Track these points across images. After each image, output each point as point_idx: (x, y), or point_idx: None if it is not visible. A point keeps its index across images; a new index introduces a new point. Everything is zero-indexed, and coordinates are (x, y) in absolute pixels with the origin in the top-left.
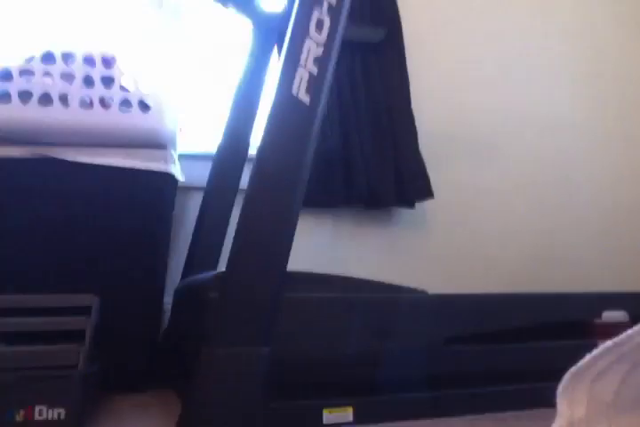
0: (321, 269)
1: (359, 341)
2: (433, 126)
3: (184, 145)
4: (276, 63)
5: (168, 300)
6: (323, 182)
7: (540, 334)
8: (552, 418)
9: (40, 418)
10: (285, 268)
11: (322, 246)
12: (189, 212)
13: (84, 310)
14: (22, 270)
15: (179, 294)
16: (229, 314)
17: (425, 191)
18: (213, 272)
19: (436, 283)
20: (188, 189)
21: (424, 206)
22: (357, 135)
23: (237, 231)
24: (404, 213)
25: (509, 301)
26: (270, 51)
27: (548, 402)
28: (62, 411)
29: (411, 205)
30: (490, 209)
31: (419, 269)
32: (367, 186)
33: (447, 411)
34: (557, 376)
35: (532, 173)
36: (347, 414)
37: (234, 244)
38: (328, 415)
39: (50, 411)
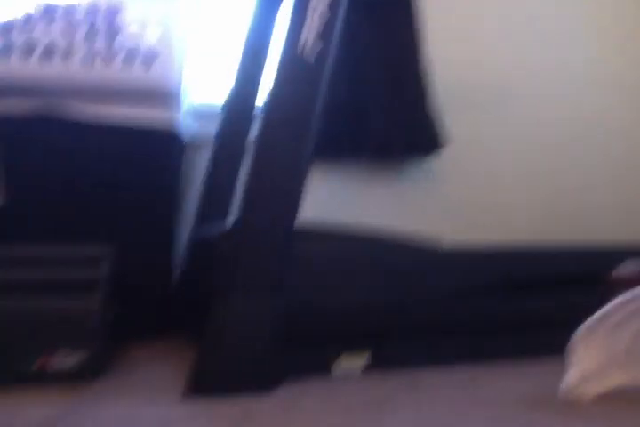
0: (332, 220)
1: (370, 292)
2: (447, 75)
3: (192, 99)
4: (284, 11)
5: (178, 254)
6: (335, 133)
7: (555, 286)
8: (564, 368)
9: (59, 365)
10: (296, 218)
11: (333, 197)
12: (199, 166)
13: (98, 261)
14: (39, 225)
15: (190, 245)
16: (242, 265)
17: (437, 141)
18: (225, 224)
19: (448, 233)
20: (197, 143)
21: (437, 156)
22: (369, 85)
23: (247, 184)
24: (416, 163)
25: (522, 253)
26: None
27: (561, 353)
28: (80, 357)
29: (423, 155)
30: (504, 158)
31: (431, 220)
32: (379, 136)
33: (459, 358)
34: (571, 328)
35: (547, 122)
36: (360, 360)
37: (244, 196)
38: (340, 364)
39: (68, 358)
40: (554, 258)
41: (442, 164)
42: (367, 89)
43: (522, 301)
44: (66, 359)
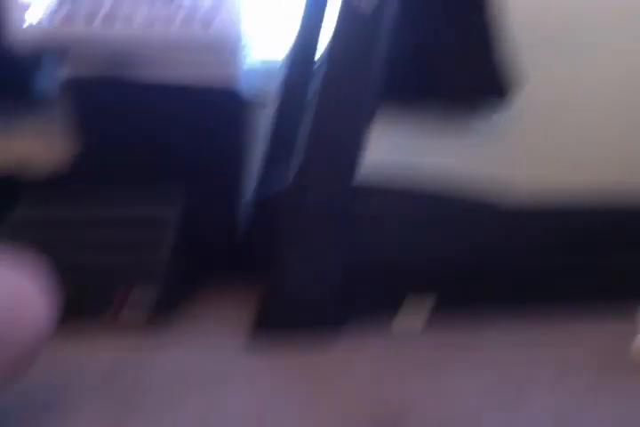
0: (398, 169)
1: (435, 247)
2: (525, 17)
3: (253, 56)
4: None
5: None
6: (402, 80)
7: (625, 247)
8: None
9: (131, 306)
10: (356, 172)
11: (400, 148)
12: (261, 123)
13: (170, 201)
14: (112, 171)
15: (254, 200)
16: (302, 220)
17: (509, 85)
18: (286, 179)
19: (521, 178)
20: (259, 100)
21: (509, 100)
22: (438, 28)
23: (308, 138)
24: (488, 108)
25: (598, 206)
26: None
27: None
28: (151, 298)
29: (495, 99)
30: (584, 103)
31: (503, 166)
32: (449, 80)
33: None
34: None
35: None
36: (421, 316)
37: (305, 150)
38: (400, 318)
39: (140, 299)
40: (623, 216)
41: (515, 108)
42: (436, 32)
43: (593, 258)
44: (137, 300)
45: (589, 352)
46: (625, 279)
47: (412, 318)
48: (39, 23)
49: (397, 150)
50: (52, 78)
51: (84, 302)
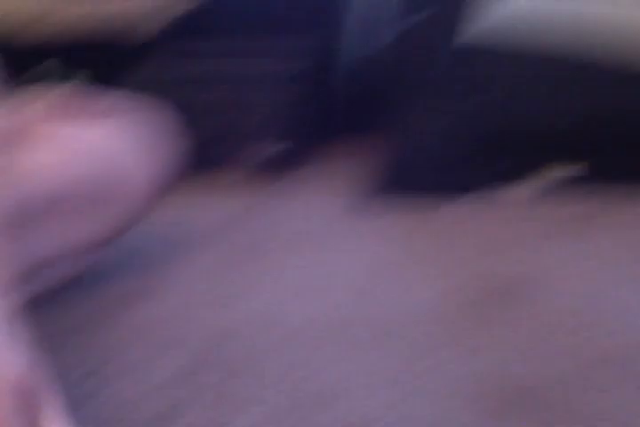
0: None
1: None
2: None
3: None
4: None
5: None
6: None
7: None
8: None
9: (256, 156)
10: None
11: None
12: None
13: (299, 54)
14: (242, 20)
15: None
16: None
17: None
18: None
19: None
20: None
21: None
22: None
23: None
24: None
25: None
26: None
27: None
28: (276, 149)
29: None
30: None
31: None
32: None
33: None
34: None
35: None
36: (561, 174)
37: None
38: (553, 170)
39: (265, 149)
40: None
41: None
42: None
43: None
44: (262, 151)
45: None
46: None
47: (551, 176)
48: None
49: None
50: None
51: (210, 153)
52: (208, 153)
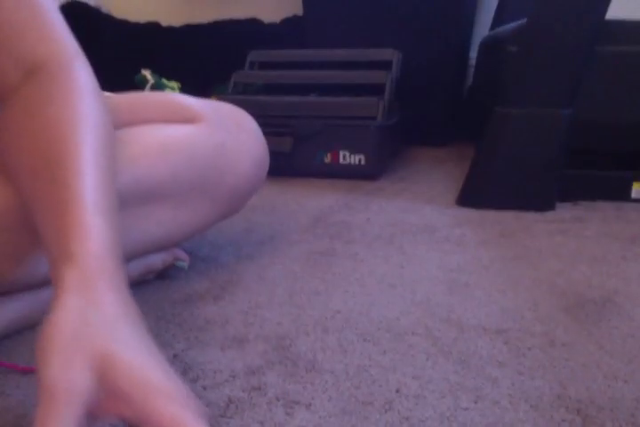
0: None
1: None
2: None
3: None
4: None
5: (474, 55)
6: None
7: None
8: None
9: (344, 162)
10: (604, 15)
11: None
12: None
13: (386, 65)
14: (336, 32)
15: (483, 48)
16: (529, 70)
17: None
18: (517, 23)
19: None
20: None
21: None
22: None
23: None
24: None
25: None
26: None
27: None
28: (362, 157)
29: None
30: None
31: None
32: None
33: None
34: None
35: None
36: None
37: None
38: (637, 190)
39: (352, 156)
40: None
41: None
42: None
43: None
44: (352, 156)
45: None
46: None
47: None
48: None
49: None
50: None
51: (304, 155)
52: (313, 156)
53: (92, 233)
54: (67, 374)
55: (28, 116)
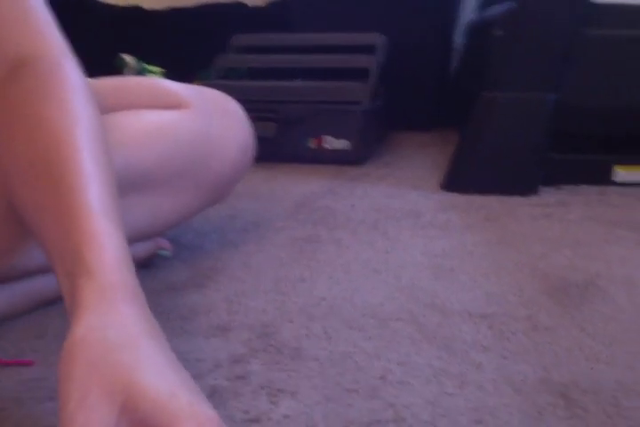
0: None
1: None
2: None
3: None
4: None
5: (460, 40)
6: None
7: None
8: None
9: (328, 147)
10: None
11: None
12: None
13: (371, 49)
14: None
15: (469, 31)
16: (515, 55)
17: None
18: (504, 7)
19: None
20: None
21: None
22: None
23: None
24: None
25: None
26: None
27: None
28: (347, 142)
29: None
30: None
31: None
32: None
33: None
34: None
35: None
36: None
37: None
38: (619, 173)
39: (336, 141)
40: None
41: None
42: None
43: None
44: (337, 141)
45: None
46: None
47: (629, 173)
48: None
49: None
50: None
51: (291, 141)
52: (294, 142)
53: (105, 242)
54: (84, 411)
55: (19, 116)
